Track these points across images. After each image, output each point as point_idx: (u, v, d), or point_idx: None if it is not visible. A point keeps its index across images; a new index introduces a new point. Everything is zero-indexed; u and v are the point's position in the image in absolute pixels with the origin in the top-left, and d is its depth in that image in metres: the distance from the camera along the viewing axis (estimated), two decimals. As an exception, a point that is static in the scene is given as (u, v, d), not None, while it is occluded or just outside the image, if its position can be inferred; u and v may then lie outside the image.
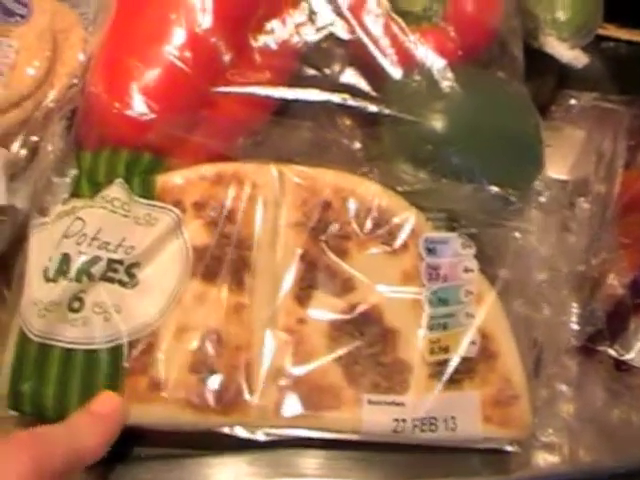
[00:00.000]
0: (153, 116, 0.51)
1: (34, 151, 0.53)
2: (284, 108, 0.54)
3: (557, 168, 0.56)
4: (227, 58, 0.52)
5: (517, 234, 0.50)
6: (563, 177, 0.58)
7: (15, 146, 0.53)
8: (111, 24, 0.54)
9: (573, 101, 0.63)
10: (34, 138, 0.53)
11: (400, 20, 0.53)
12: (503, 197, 0.49)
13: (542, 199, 0.51)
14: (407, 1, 0.55)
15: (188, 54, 0.51)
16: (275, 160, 0.52)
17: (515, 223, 0.50)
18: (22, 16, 0.54)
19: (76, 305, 0.48)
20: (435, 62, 0.53)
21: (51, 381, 0.47)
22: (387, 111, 0.51)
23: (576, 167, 0.59)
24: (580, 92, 0.64)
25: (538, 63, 0.57)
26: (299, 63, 0.53)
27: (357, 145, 0.53)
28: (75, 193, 0.51)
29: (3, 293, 0.51)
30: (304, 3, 0.54)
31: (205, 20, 0.52)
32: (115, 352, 0.47)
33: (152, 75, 0.52)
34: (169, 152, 0.52)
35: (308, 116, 0.53)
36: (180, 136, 0.51)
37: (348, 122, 0.53)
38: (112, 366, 0.47)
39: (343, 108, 0.53)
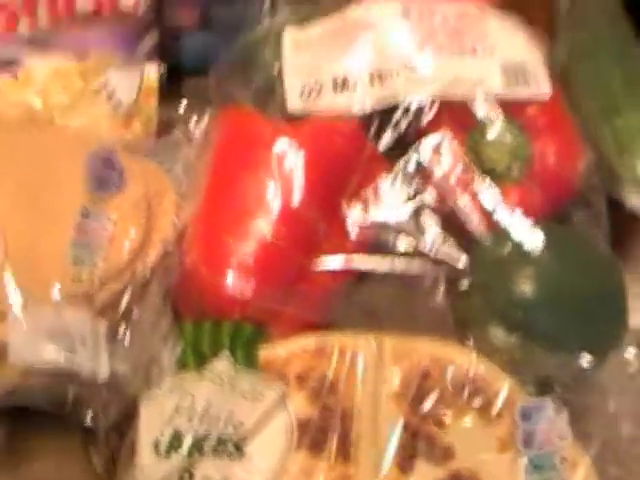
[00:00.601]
0: (251, 292, 0.53)
1: (133, 321, 0.53)
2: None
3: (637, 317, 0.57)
4: (321, 230, 0.54)
5: (608, 398, 0.51)
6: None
7: (114, 317, 0.52)
8: (205, 194, 0.56)
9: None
10: (132, 308, 0.53)
11: (487, 182, 0.55)
12: (594, 364, 0.51)
13: (628, 363, 0.52)
14: (490, 161, 0.57)
15: (284, 229, 0.54)
16: (363, 319, 0.54)
17: (605, 386, 0.52)
18: (117, 186, 0.55)
19: (186, 479, 0.49)
20: (523, 225, 0.55)
21: None
22: (478, 278, 0.53)
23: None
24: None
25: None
26: (390, 231, 0.55)
27: (444, 306, 0.54)
28: (182, 365, 0.53)
29: (110, 465, 0.53)
30: (396, 169, 0.56)
31: (300, 194, 0.54)
32: (225, 527, 0.49)
33: (249, 251, 0.54)
34: (266, 323, 0.54)
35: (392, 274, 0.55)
36: (276, 309, 0.53)
37: (434, 281, 0.54)
38: (224, 541, 0.49)
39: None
